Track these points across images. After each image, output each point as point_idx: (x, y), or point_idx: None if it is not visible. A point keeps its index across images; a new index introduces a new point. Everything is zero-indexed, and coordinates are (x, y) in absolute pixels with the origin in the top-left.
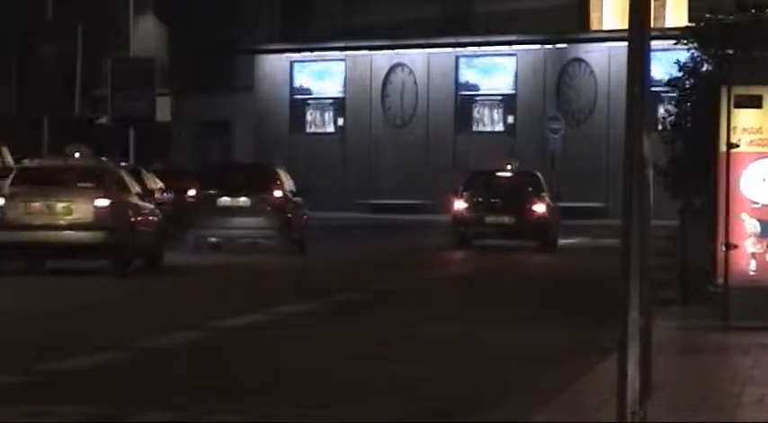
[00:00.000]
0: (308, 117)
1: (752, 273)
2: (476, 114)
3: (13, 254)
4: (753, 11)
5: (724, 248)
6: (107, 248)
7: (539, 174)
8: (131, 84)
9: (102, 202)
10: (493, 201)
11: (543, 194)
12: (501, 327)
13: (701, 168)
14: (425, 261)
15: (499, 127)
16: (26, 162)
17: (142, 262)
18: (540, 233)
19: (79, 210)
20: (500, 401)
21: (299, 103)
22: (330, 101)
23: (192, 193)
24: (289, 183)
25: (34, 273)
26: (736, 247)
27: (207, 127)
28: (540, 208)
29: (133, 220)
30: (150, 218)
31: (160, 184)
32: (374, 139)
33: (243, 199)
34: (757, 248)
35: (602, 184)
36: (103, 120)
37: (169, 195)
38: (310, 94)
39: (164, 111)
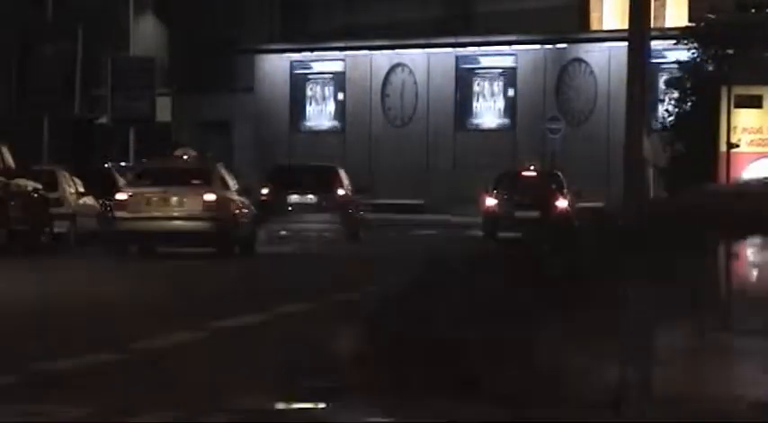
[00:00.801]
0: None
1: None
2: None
3: (134, 240)
4: (753, 11)
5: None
6: (214, 236)
7: (560, 173)
8: (131, 84)
9: (210, 197)
10: (520, 197)
11: (565, 191)
12: None
13: (700, 168)
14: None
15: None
16: (145, 162)
17: (239, 249)
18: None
19: (190, 203)
20: None
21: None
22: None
23: (264, 191)
24: (347, 182)
25: (146, 257)
26: None
27: (207, 127)
28: (562, 203)
29: (234, 212)
30: (246, 211)
31: None
32: (374, 138)
33: (310, 197)
34: None
35: (602, 184)
36: (103, 120)
37: None
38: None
39: (164, 111)
